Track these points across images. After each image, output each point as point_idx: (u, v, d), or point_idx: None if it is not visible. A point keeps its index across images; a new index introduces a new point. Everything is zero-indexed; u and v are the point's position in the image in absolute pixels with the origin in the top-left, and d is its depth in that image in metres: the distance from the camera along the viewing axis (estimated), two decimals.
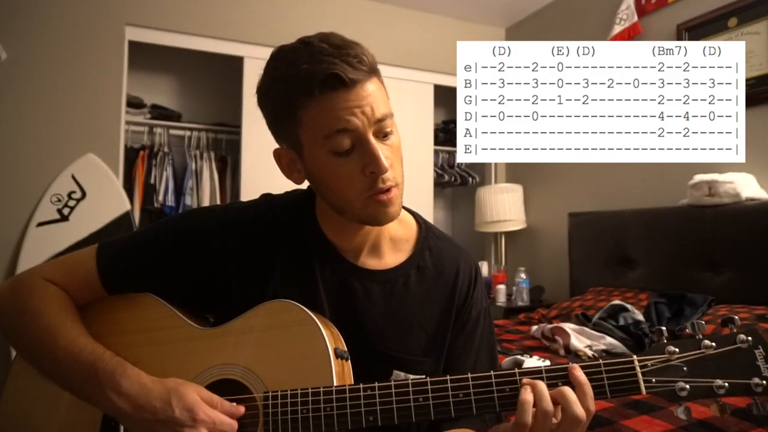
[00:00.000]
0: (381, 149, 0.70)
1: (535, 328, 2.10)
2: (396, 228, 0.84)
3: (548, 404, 0.61)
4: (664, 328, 0.67)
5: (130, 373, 0.68)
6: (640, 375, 0.63)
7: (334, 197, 0.74)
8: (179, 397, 0.65)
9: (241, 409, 0.68)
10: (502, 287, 3.21)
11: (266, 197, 0.86)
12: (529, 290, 3.14)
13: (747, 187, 2.04)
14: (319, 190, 0.77)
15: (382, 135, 0.71)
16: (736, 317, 0.65)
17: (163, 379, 0.68)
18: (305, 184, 0.83)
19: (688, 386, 0.62)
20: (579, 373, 0.63)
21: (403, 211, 0.87)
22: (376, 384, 0.66)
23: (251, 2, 3.05)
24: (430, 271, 0.84)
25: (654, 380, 0.63)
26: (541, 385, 0.63)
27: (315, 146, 0.71)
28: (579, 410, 0.60)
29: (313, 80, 0.66)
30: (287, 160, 0.77)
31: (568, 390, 0.62)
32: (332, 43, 0.68)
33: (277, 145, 0.79)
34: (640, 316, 1.93)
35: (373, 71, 0.70)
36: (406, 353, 0.80)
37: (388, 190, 0.71)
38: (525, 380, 0.64)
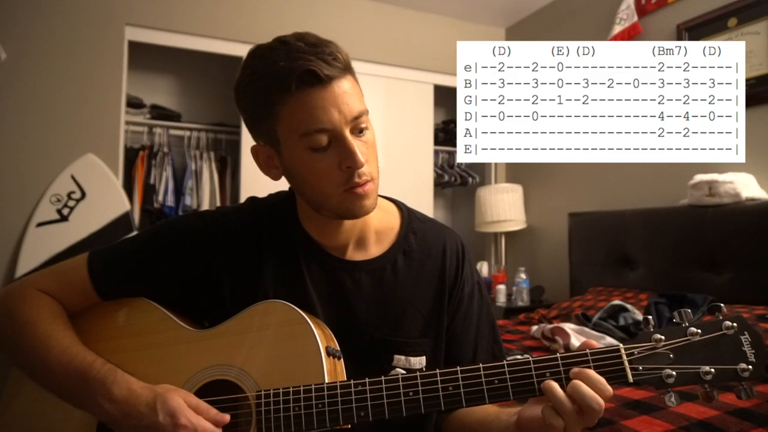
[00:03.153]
0: (357, 145, 0.71)
1: (535, 328, 2.10)
2: (380, 219, 0.85)
3: (568, 405, 0.61)
4: (650, 317, 0.67)
5: (120, 380, 0.68)
6: (626, 363, 0.63)
7: (312, 192, 0.76)
8: (163, 402, 0.66)
9: (227, 417, 0.68)
10: (502, 287, 3.21)
11: (252, 200, 0.87)
12: (529, 290, 3.14)
13: (747, 187, 2.04)
14: (297, 186, 0.79)
15: (358, 131, 0.73)
16: (722, 305, 0.65)
17: (153, 385, 0.69)
18: (287, 186, 0.84)
19: (674, 373, 0.62)
20: (584, 370, 0.63)
21: (385, 200, 0.89)
22: (367, 380, 0.67)
23: (251, 2, 3.05)
24: (417, 253, 0.85)
25: (641, 368, 0.63)
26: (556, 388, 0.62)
27: (292, 142, 0.72)
28: (600, 403, 0.60)
29: (291, 77, 0.68)
30: (265, 157, 0.79)
31: (582, 385, 0.61)
32: (308, 42, 0.70)
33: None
34: (640, 317, 1.93)
35: (347, 69, 0.72)
36: (403, 337, 0.81)
37: (364, 183, 0.73)
38: (544, 384, 0.63)
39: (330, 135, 0.70)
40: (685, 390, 0.64)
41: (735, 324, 0.63)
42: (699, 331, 0.63)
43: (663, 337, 0.64)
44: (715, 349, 0.63)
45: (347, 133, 0.71)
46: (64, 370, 0.69)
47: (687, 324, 0.64)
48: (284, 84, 0.68)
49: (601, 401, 0.60)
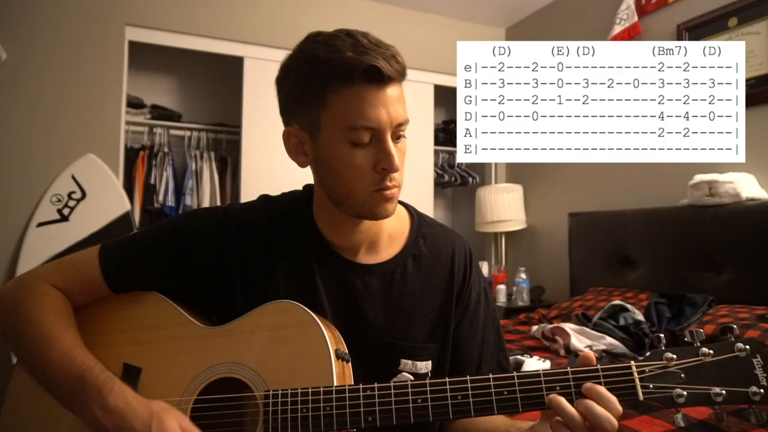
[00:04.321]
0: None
1: (535, 328, 2.10)
2: (392, 223, 0.85)
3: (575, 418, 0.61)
4: (662, 335, 0.67)
5: (117, 390, 0.66)
6: (637, 381, 0.63)
7: (339, 185, 0.75)
8: (159, 424, 0.64)
9: None
10: (502, 287, 3.21)
11: (264, 198, 0.87)
12: (530, 290, 3.14)
13: (747, 187, 2.04)
14: (325, 177, 0.77)
15: (396, 137, 0.74)
16: (735, 326, 0.65)
17: (150, 400, 0.67)
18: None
19: (685, 393, 0.62)
20: (596, 387, 0.62)
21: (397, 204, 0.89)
22: (376, 385, 0.67)
23: (251, 2, 3.05)
24: (426, 258, 0.85)
25: (651, 386, 0.63)
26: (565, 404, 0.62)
27: (334, 132, 0.72)
28: (614, 424, 0.60)
29: (356, 69, 0.68)
30: (296, 142, 0.78)
31: (594, 406, 0.61)
32: (372, 40, 0.71)
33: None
34: (640, 316, 1.93)
35: (402, 76, 0.73)
36: (411, 341, 0.81)
37: (393, 187, 0.74)
38: (550, 398, 0.63)
39: (373, 134, 0.71)
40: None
41: (747, 346, 0.62)
42: (711, 351, 0.63)
43: (675, 356, 0.63)
44: (726, 370, 0.62)
45: (389, 136, 0.72)
46: (62, 372, 0.69)
47: (699, 344, 0.64)
48: (346, 74, 0.68)
49: (615, 422, 0.60)
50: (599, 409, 0.60)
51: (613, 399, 0.61)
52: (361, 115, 0.70)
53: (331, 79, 0.69)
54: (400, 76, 0.72)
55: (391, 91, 0.71)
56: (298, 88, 0.73)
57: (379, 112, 0.70)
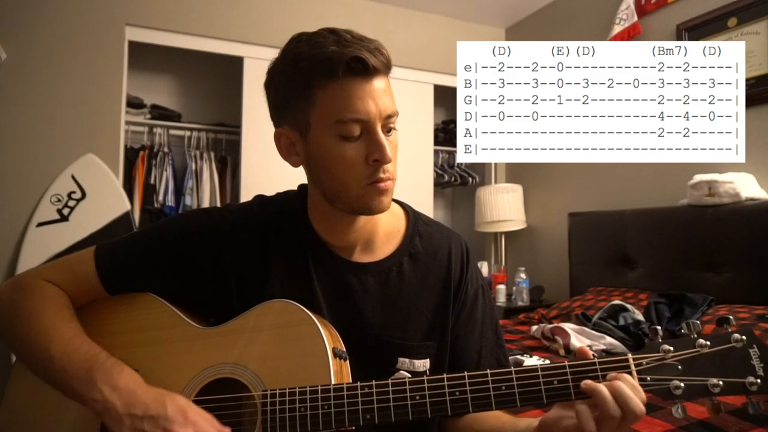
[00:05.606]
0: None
1: (535, 328, 2.10)
2: (388, 221, 0.85)
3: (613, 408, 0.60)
4: (659, 327, 0.67)
5: (127, 373, 0.69)
6: (635, 373, 0.63)
7: (332, 182, 0.75)
8: (173, 399, 0.67)
9: (227, 430, 0.68)
10: (502, 287, 3.21)
11: (259, 198, 0.87)
12: (529, 290, 3.14)
13: (747, 187, 2.04)
14: (317, 175, 0.77)
15: (386, 130, 0.73)
16: (731, 317, 0.65)
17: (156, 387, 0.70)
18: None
19: (682, 384, 0.62)
20: (621, 374, 0.62)
21: (392, 202, 0.88)
22: (374, 382, 0.67)
23: (251, 2, 3.05)
24: (423, 256, 0.85)
25: (649, 378, 0.63)
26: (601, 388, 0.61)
27: (323, 128, 0.72)
28: (642, 408, 0.60)
29: (339, 62, 0.68)
30: (287, 142, 0.78)
31: (625, 389, 0.60)
32: (355, 35, 0.71)
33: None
34: (640, 316, 1.93)
35: (388, 68, 0.73)
36: (408, 339, 0.81)
37: (387, 179, 0.74)
38: (586, 383, 0.62)
39: (363, 127, 0.71)
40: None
41: (744, 337, 0.63)
42: (708, 343, 0.63)
43: (672, 348, 0.63)
44: (723, 361, 0.62)
45: (379, 127, 0.71)
46: (67, 359, 0.69)
47: (696, 336, 0.64)
48: (331, 68, 0.68)
49: (643, 407, 0.59)
50: (629, 392, 0.60)
51: (638, 387, 0.61)
52: (349, 108, 0.69)
53: (316, 74, 0.70)
54: (385, 68, 0.72)
55: (378, 82, 0.71)
56: (284, 88, 0.74)
57: (367, 104, 0.70)
